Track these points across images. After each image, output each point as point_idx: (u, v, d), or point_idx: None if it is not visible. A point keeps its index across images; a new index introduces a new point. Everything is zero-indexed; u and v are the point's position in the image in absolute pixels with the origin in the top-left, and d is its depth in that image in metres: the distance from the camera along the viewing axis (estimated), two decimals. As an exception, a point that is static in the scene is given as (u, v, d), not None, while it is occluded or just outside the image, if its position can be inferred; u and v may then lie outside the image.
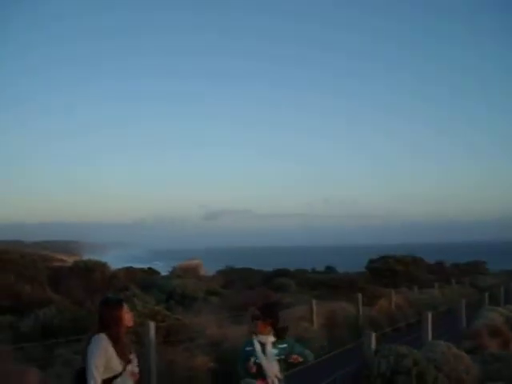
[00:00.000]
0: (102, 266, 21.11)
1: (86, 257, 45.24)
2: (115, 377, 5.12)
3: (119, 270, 27.79)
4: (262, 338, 6.18)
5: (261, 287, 28.36)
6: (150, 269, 43.66)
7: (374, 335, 8.82)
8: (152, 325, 10.56)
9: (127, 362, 5.22)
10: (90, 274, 20.09)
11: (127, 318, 5.34)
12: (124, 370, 5.17)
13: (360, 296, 20.14)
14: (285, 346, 6.18)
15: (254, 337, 6.24)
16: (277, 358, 6.10)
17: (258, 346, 6.16)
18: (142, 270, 40.54)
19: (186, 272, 41.07)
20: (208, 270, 56.99)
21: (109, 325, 5.19)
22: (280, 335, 6.24)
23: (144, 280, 27.41)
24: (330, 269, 51.09)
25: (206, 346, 13.15)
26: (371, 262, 38.66)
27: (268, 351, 6.10)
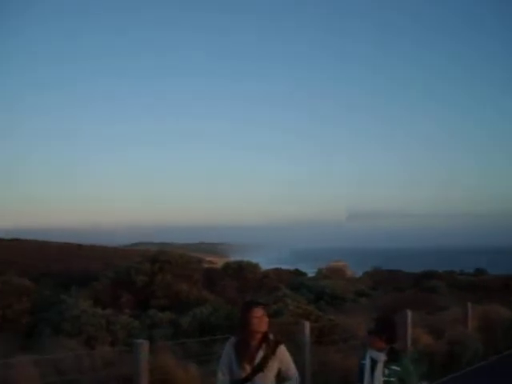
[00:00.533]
0: (254, 266, 21.63)
1: (233, 258, 46.42)
2: (239, 381, 4.96)
3: (268, 270, 28.30)
4: (375, 353, 5.62)
5: (411, 289, 27.84)
6: (296, 270, 44.14)
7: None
8: (307, 324, 10.69)
9: (253, 367, 4.94)
10: (242, 274, 20.65)
11: (256, 322, 4.97)
12: (248, 376, 4.93)
13: (516, 299, 19.25)
14: (398, 368, 5.48)
15: (369, 350, 5.69)
16: (385, 379, 5.48)
17: (368, 363, 5.65)
18: (288, 271, 41.09)
19: (333, 273, 41.11)
20: (354, 271, 56.74)
21: (238, 328, 5.12)
22: (394, 355, 5.58)
23: (292, 281, 27.71)
24: (479, 271, 49.18)
25: (360, 347, 13.09)
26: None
27: (378, 370, 5.52)
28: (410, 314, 13.40)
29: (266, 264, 52.85)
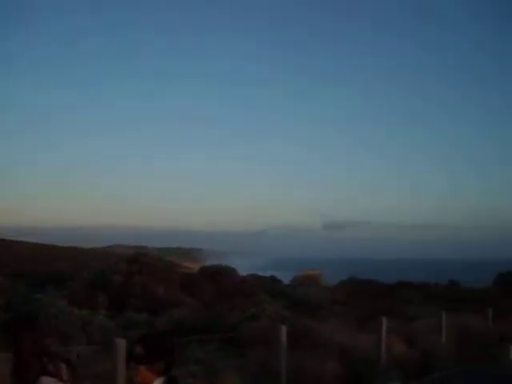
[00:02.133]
0: (231, 271, 21.67)
1: (210, 263, 46.40)
2: None
3: (245, 276, 28.36)
4: None
5: (385, 299, 28.03)
6: (272, 277, 44.24)
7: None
8: (284, 328, 10.72)
9: None
10: (219, 278, 20.68)
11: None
12: None
13: (490, 311, 19.47)
14: None
15: None
16: None
17: None
18: (264, 278, 41.17)
19: (308, 281, 41.28)
20: (328, 280, 56.88)
21: None
22: None
23: (269, 287, 27.82)
24: (453, 282, 49.54)
25: (334, 353, 13.19)
26: (500, 276, 37.25)
27: None
28: (385, 321, 13.50)
29: (241, 270, 52.95)
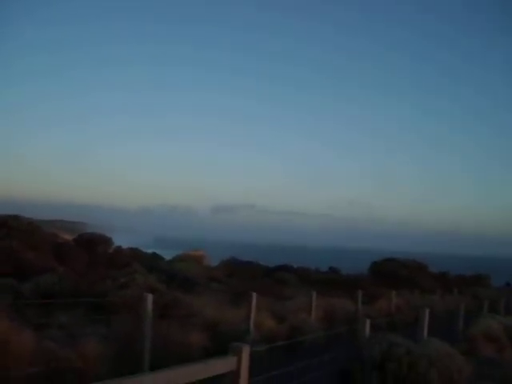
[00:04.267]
0: (106, 240, 21.19)
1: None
2: None
3: (122, 248, 27.86)
4: None
5: (263, 279, 28.43)
6: (154, 253, 43.71)
7: (368, 321, 8.83)
8: (150, 297, 10.56)
9: None
10: (93, 247, 20.19)
11: None
12: None
13: (360, 293, 20.16)
14: None
15: None
16: None
17: None
18: (146, 253, 40.60)
19: (190, 259, 41.10)
20: (211, 261, 56.95)
21: None
22: None
23: (147, 262, 27.48)
24: (333, 269, 51.06)
25: (202, 325, 13.22)
26: (374, 264, 38.67)
27: None
28: (254, 296, 13.62)
29: (124, 246, 51.98)
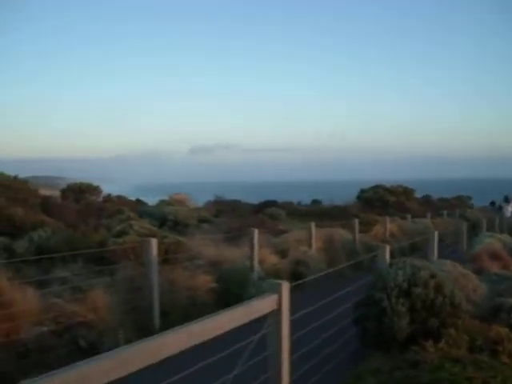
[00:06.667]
0: (95, 188, 20.63)
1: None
2: None
3: (110, 195, 27.33)
4: None
5: (252, 216, 28.18)
6: (138, 200, 43.21)
7: (388, 247, 8.51)
8: (154, 241, 10.17)
9: None
10: (82, 197, 19.66)
11: None
12: None
13: (357, 222, 19.99)
14: None
15: None
16: None
17: None
18: (130, 200, 40.07)
19: (175, 203, 40.67)
20: (196, 203, 56.62)
21: None
22: None
23: (135, 208, 27.00)
24: (316, 202, 51.00)
25: (206, 266, 12.95)
26: (362, 191, 38.58)
27: None
28: (256, 232, 13.30)
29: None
